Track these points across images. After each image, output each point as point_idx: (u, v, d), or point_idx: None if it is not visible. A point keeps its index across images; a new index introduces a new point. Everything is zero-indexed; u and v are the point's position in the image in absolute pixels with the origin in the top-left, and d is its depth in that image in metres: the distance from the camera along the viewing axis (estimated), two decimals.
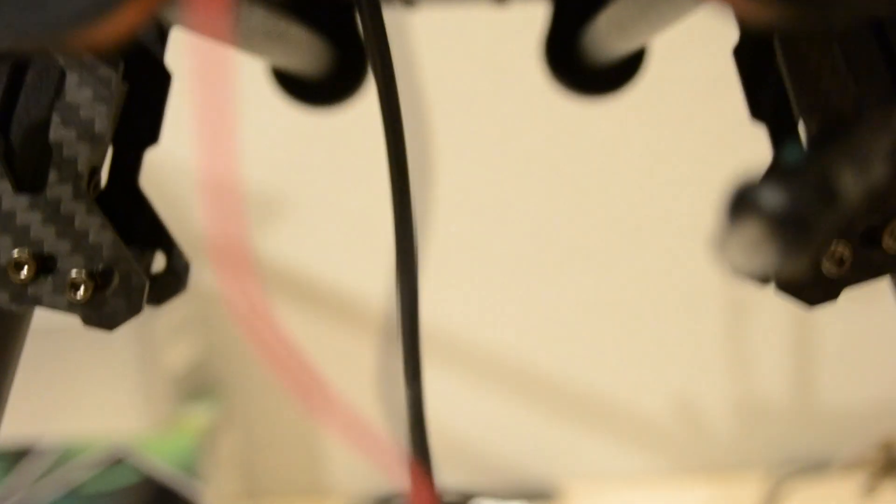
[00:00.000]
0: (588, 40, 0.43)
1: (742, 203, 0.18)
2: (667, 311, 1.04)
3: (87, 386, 0.85)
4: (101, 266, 0.30)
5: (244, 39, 0.40)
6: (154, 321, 0.88)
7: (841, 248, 0.29)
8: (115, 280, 0.30)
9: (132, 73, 0.34)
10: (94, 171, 0.32)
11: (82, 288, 0.30)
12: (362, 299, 1.03)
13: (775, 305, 1.01)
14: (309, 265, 1.04)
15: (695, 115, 0.99)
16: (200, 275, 1.04)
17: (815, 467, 0.98)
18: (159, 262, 0.37)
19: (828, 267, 0.29)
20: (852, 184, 0.18)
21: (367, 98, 0.98)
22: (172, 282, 0.36)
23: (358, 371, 1.04)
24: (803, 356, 1.05)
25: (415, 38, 0.97)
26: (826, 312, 1.02)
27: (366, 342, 1.05)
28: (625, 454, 1.07)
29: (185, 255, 0.36)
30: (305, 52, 0.43)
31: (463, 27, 0.98)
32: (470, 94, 1.00)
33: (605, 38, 0.41)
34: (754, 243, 0.18)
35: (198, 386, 0.98)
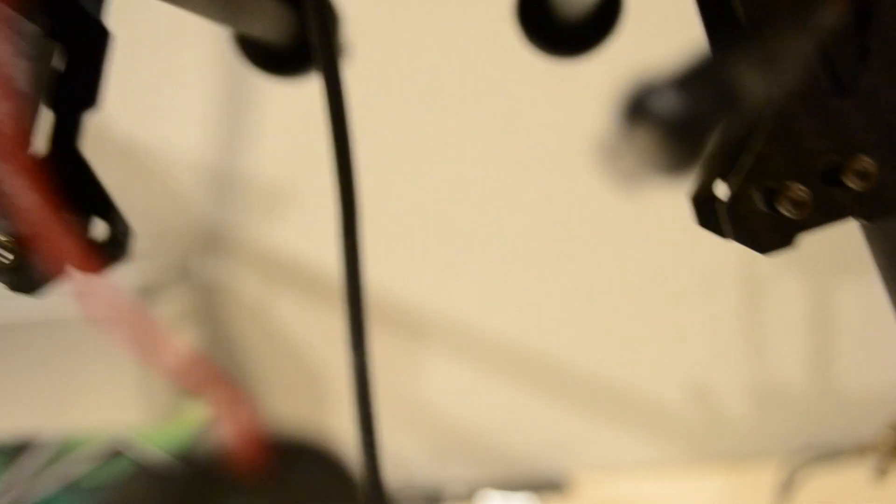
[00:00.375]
0: None
1: (636, 105, 0.16)
2: (679, 294, 1.01)
3: (86, 379, 0.85)
4: (26, 230, 0.29)
5: (198, 4, 0.38)
6: (153, 313, 0.87)
7: (798, 189, 0.27)
8: (41, 244, 0.29)
9: (66, 32, 0.33)
10: (27, 132, 0.31)
11: (7, 252, 0.29)
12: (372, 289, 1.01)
13: (791, 286, 0.99)
14: (318, 256, 1.03)
15: None
16: (202, 267, 1.04)
17: (832, 453, 0.96)
18: (102, 230, 0.35)
19: (785, 209, 0.27)
20: (758, 87, 0.16)
21: (377, 88, 0.97)
22: (114, 249, 0.35)
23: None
24: (821, 339, 1.02)
25: (419, 18, 0.95)
26: (845, 293, 1.00)
27: (375, 331, 1.04)
28: (637, 443, 1.05)
29: (127, 222, 0.35)
30: (267, 17, 0.42)
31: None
32: (474, 77, 0.98)
33: None
34: (646, 149, 0.16)
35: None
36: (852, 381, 1.02)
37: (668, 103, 0.16)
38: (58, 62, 0.33)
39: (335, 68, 0.35)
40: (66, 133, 0.34)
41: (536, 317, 1.03)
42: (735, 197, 0.28)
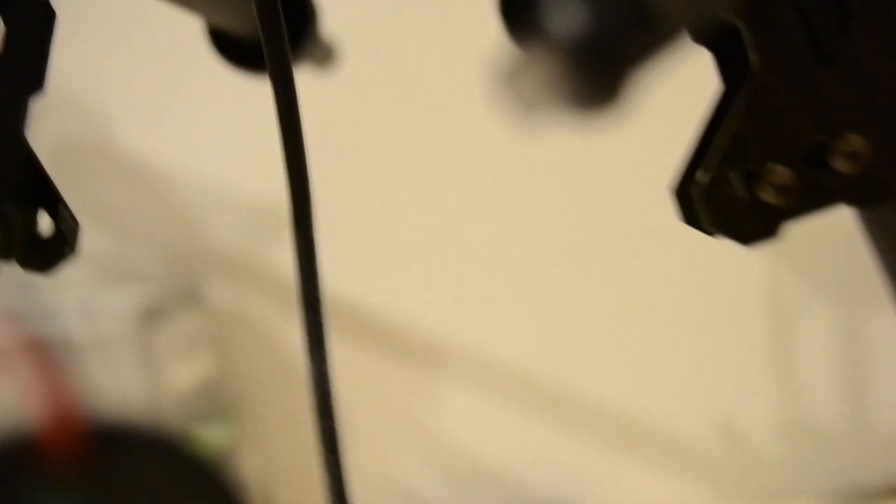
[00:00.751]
0: None
1: (533, 17, 0.14)
2: (703, 324, 0.98)
3: (90, 403, 0.83)
4: None
5: None
6: (157, 336, 0.86)
7: (781, 172, 0.24)
8: None
9: (6, 11, 0.31)
10: None
11: None
12: (378, 310, 0.99)
13: (822, 315, 0.95)
14: (331, 280, 1.01)
15: None
16: (213, 290, 1.02)
17: (868, 494, 0.91)
18: (46, 225, 0.33)
19: (768, 195, 0.25)
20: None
21: (388, 107, 0.96)
22: (59, 245, 0.33)
23: (375, 379, 1.01)
24: (854, 372, 0.98)
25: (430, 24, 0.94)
26: (880, 323, 0.96)
27: (381, 353, 1.02)
28: (661, 481, 1.01)
29: (74, 217, 0.33)
30: (237, 6, 0.40)
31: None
32: (481, 95, 0.96)
33: None
34: (547, 74, 0.13)
35: (210, 406, 0.95)
36: (889, 417, 0.98)
37: (570, 17, 0.13)
38: None
39: (283, 62, 0.33)
40: (10, 119, 0.33)
41: (556, 348, 1.00)
42: (712, 181, 0.25)
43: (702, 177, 0.25)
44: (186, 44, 1.01)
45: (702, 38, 0.29)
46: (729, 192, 0.25)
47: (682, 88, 0.94)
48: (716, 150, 0.25)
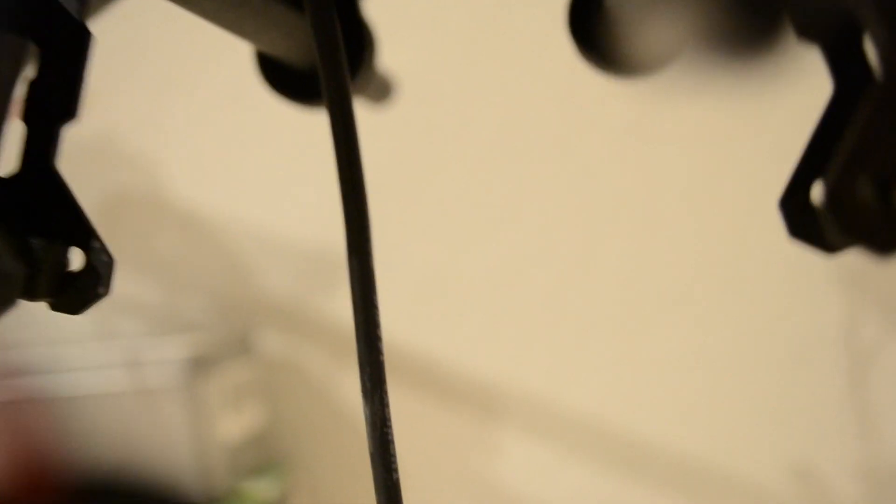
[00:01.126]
0: None
1: None
2: (776, 364, 0.93)
3: (136, 455, 0.81)
4: None
5: (217, 12, 0.34)
6: (206, 386, 0.83)
7: None
8: None
9: (40, 31, 0.29)
10: None
11: None
12: (434, 355, 0.97)
13: None
14: (387, 328, 0.98)
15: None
16: (263, 340, 1.00)
17: None
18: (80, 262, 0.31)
19: None
20: None
21: (447, 147, 0.94)
22: (91, 283, 0.30)
23: (432, 427, 0.98)
24: None
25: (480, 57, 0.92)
26: None
27: (437, 400, 0.99)
28: None
29: (108, 252, 0.30)
30: (280, 27, 0.37)
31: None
32: (547, 135, 0.94)
33: None
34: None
35: (260, 458, 0.93)
36: None
37: None
38: (30, 66, 0.29)
39: (342, 91, 0.30)
40: (41, 149, 0.30)
41: (617, 392, 0.96)
42: (838, 185, 0.21)
43: (829, 184, 0.22)
44: (235, 92, 1.00)
45: (813, 33, 0.25)
46: (858, 197, 0.22)
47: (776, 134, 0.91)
48: (842, 156, 0.22)
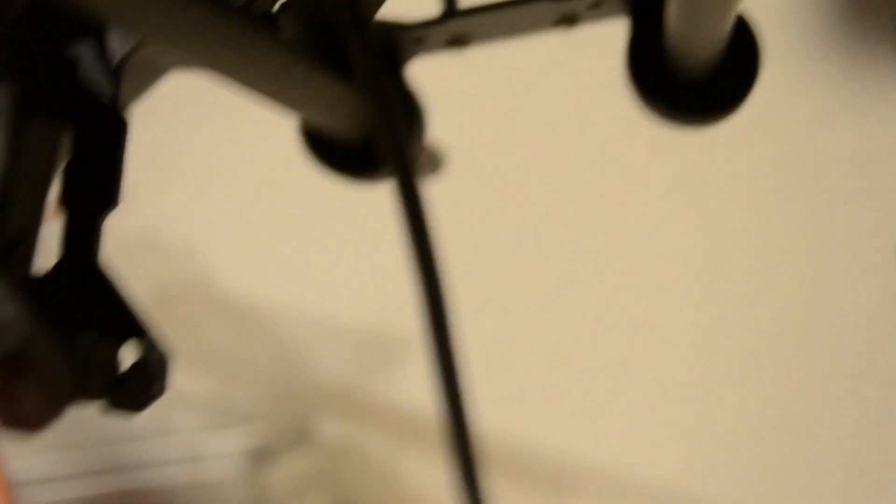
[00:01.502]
0: (676, 39, 0.34)
1: None
2: (865, 429, 0.88)
3: None
4: (9, 351, 0.22)
5: (259, 84, 0.33)
6: (268, 478, 0.81)
7: None
8: (31, 370, 0.22)
9: (78, 120, 0.28)
10: (15, 240, 0.25)
11: None
12: (500, 435, 0.93)
13: None
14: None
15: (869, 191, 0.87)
16: (323, 427, 0.97)
17: None
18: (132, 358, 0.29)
19: None
20: None
21: (493, 225, 0.92)
22: (147, 381, 0.28)
23: None
24: None
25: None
26: None
27: (513, 485, 0.95)
28: None
29: (163, 348, 0.28)
30: (336, 102, 0.36)
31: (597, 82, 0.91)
32: (607, 199, 0.92)
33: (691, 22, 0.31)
34: None
35: None
36: None
37: None
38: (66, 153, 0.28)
39: (405, 164, 0.28)
40: (82, 240, 0.28)
41: (694, 460, 0.91)
42: None
43: None
44: (278, 179, 0.99)
45: None
46: None
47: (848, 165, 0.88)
48: None
